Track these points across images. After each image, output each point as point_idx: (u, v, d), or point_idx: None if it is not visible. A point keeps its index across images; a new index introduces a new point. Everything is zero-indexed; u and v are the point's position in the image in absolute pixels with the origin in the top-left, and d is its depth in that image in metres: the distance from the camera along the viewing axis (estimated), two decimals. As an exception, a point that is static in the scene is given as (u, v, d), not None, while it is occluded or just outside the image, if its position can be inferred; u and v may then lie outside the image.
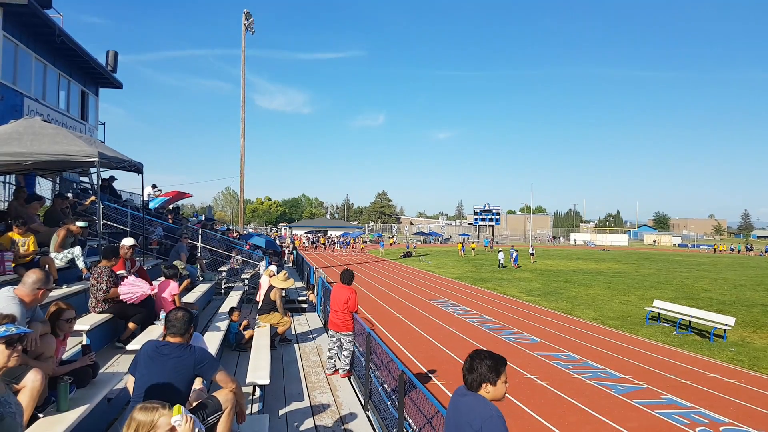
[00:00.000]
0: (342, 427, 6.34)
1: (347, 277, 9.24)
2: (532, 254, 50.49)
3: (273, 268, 11.84)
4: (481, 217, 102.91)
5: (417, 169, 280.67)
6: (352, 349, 8.81)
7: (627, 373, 11.98)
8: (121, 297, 7.41)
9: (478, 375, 3.19)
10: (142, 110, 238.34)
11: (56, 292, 7.05)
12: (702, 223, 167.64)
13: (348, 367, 8.72)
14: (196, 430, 3.16)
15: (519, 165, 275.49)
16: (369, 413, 6.96)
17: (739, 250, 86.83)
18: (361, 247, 70.37)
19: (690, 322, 17.28)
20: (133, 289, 7.52)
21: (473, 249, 65.42)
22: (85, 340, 6.37)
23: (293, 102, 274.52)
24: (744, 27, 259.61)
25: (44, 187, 14.35)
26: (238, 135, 33.86)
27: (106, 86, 20.40)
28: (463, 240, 76.12)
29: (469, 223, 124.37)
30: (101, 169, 9.04)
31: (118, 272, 7.88)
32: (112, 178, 16.68)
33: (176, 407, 3.09)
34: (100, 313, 7.27)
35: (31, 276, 4.34)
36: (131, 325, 7.45)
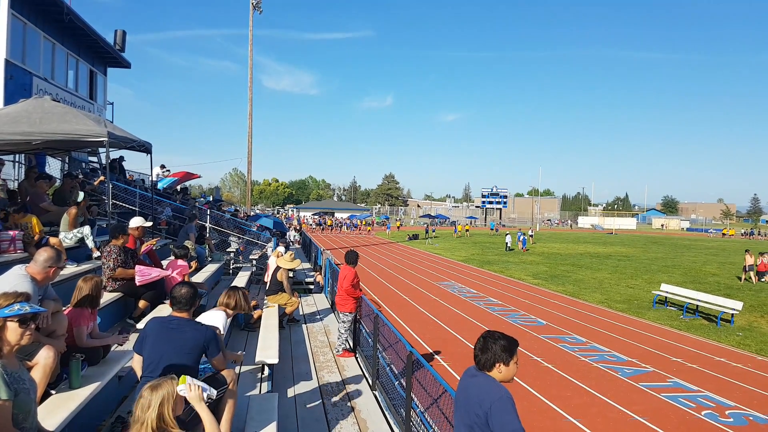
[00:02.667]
0: (350, 406, 6.41)
1: (351, 258, 9.21)
2: (531, 236, 50.80)
3: (281, 248, 11.88)
4: (488, 200, 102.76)
5: (424, 151, 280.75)
6: (344, 332, 8.85)
7: (633, 357, 12.00)
8: (137, 282, 7.46)
9: (492, 355, 3.19)
10: (150, 91, 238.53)
11: (67, 271, 7.11)
12: (711, 207, 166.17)
13: (341, 348, 8.76)
14: (205, 394, 3.20)
15: (528, 147, 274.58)
16: (376, 393, 7.03)
17: (751, 234, 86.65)
18: (368, 229, 70.38)
19: (697, 306, 17.24)
20: (150, 272, 7.56)
21: (467, 230, 66.20)
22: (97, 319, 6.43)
23: (301, 83, 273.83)
24: (755, 11, 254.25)
25: (54, 167, 14.41)
26: (245, 116, 33.91)
27: (114, 66, 20.38)
28: (470, 222, 76.29)
29: (476, 206, 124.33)
30: (110, 149, 9.06)
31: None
32: (122, 158, 16.74)
33: (182, 377, 3.13)
34: (111, 291, 7.33)
35: (43, 254, 4.36)
36: (142, 303, 7.53)
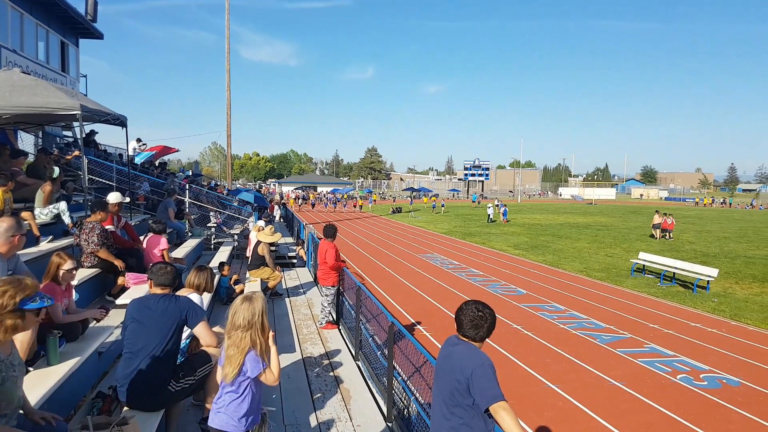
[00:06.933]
0: (333, 376, 6.47)
1: (329, 231, 9.18)
2: (497, 206, 50.11)
3: (261, 223, 11.81)
4: (471, 172, 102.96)
5: (407, 124, 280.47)
6: (326, 305, 8.87)
7: (611, 324, 12.25)
8: (126, 284, 7.30)
9: (480, 332, 3.29)
10: (124, 63, 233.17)
11: (43, 247, 6.98)
12: (689, 177, 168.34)
13: (325, 320, 8.80)
14: None
15: (509, 119, 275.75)
16: (359, 363, 7.10)
17: (722, 202, 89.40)
18: (360, 203, 64.54)
19: (674, 273, 17.61)
20: (141, 277, 7.38)
21: (443, 204, 65.67)
22: (74, 294, 6.34)
23: (280, 53, 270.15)
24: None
25: (27, 142, 14.02)
26: (223, 88, 33.14)
27: (86, 36, 19.77)
28: (452, 195, 76.34)
29: (459, 179, 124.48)
30: (84, 123, 8.83)
31: (107, 227, 7.78)
32: (93, 132, 16.34)
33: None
34: (89, 267, 7.23)
35: (2, 224, 4.21)
36: (121, 279, 7.43)
